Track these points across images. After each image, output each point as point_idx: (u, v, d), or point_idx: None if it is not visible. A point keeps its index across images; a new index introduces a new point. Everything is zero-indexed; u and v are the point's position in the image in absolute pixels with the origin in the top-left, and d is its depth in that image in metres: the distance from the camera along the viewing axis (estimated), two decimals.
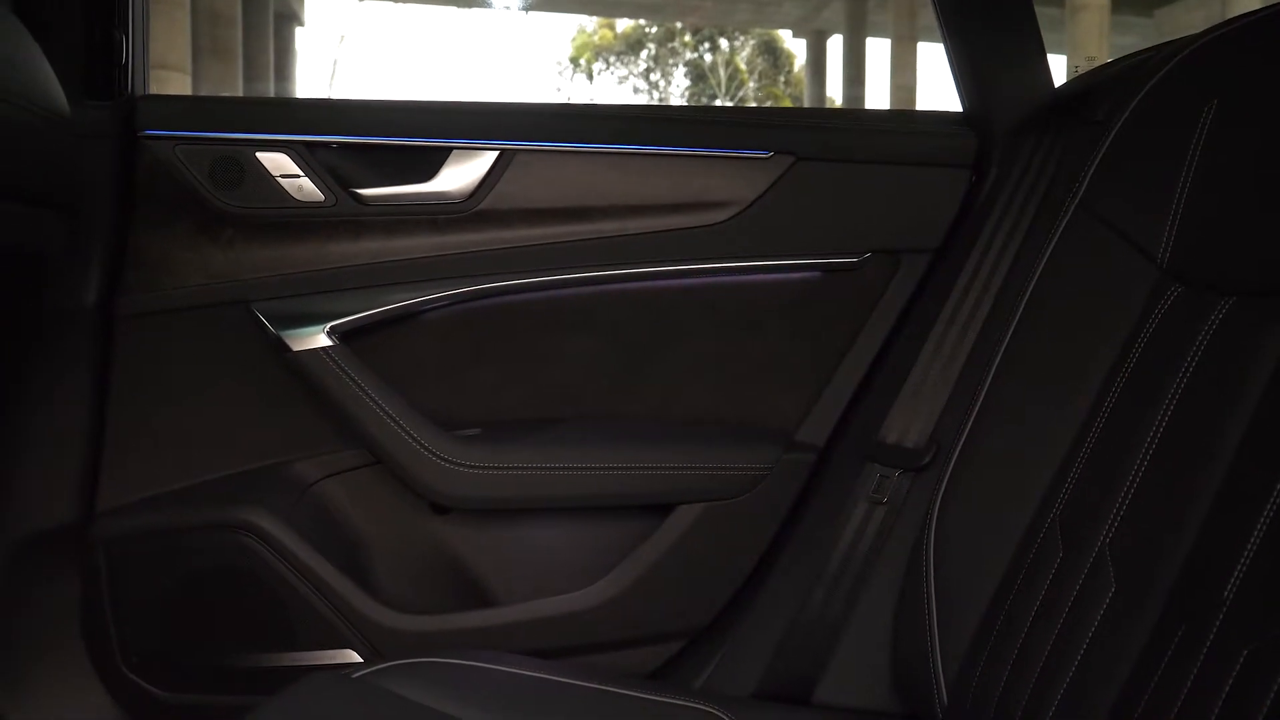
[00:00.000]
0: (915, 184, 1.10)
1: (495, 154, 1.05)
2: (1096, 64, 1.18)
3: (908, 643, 0.84)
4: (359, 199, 1.04)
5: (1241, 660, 0.55)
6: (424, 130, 1.05)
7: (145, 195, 1.02)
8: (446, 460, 1.04)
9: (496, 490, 1.05)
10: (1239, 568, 0.57)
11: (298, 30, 18.08)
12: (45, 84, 0.78)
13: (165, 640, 1.03)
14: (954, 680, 0.77)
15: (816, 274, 1.11)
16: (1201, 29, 0.82)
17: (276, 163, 1.02)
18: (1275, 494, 0.57)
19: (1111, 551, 0.67)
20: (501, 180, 1.05)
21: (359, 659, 1.03)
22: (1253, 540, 0.57)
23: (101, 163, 0.99)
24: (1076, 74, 1.24)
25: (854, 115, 1.23)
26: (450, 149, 1.05)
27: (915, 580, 0.85)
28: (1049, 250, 0.86)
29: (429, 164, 1.05)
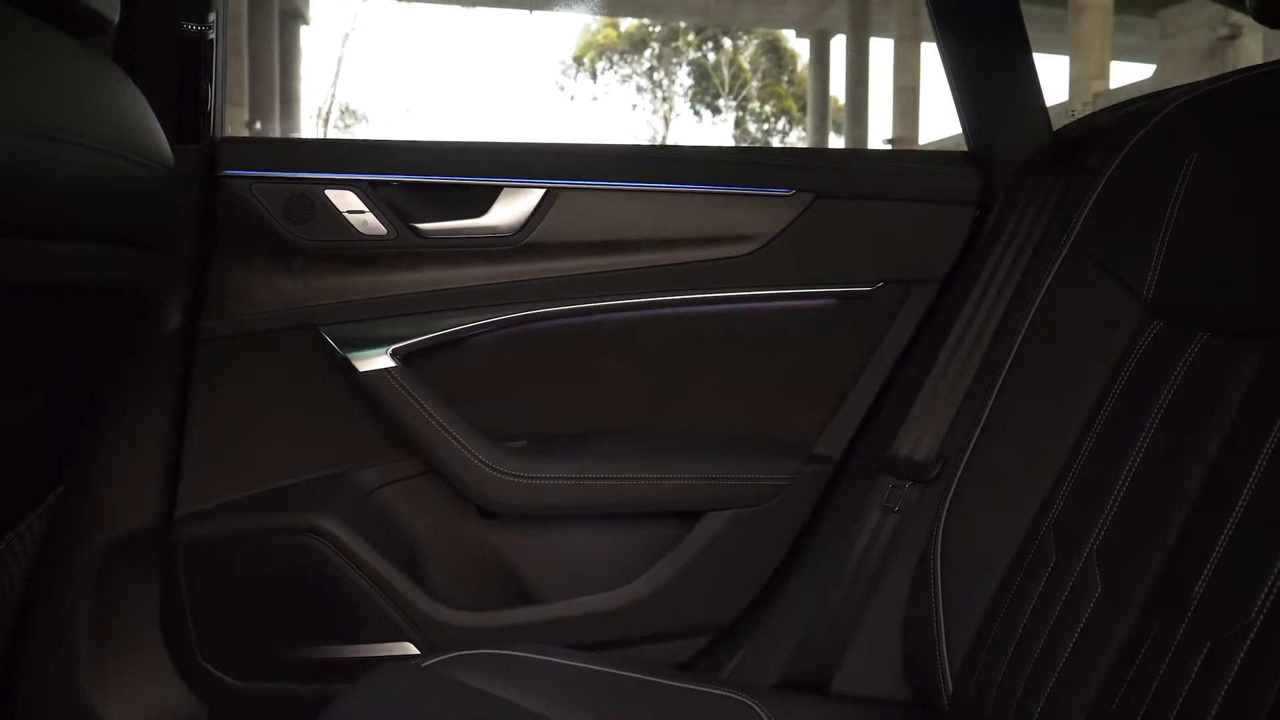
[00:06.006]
0: (925, 219, 1.18)
1: (542, 191, 1.13)
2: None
3: (917, 638, 0.91)
4: (418, 232, 1.12)
5: (1204, 653, 0.63)
6: (477, 170, 1.13)
7: (225, 230, 1.10)
8: (496, 470, 1.12)
9: (541, 498, 1.14)
10: (1205, 572, 0.65)
11: (302, 29, 18.09)
12: (154, 135, 0.85)
13: (239, 634, 1.11)
14: (958, 672, 0.84)
15: (834, 301, 1.19)
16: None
17: (344, 199, 1.10)
18: (1238, 510, 0.65)
19: (1099, 557, 0.75)
20: (547, 216, 1.14)
21: (416, 651, 1.11)
22: (1217, 549, 0.66)
23: (188, 201, 1.07)
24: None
25: (869, 155, 1.31)
26: (501, 187, 1.13)
27: (923, 582, 0.92)
28: (1045, 284, 0.93)
29: (482, 201, 1.13)
